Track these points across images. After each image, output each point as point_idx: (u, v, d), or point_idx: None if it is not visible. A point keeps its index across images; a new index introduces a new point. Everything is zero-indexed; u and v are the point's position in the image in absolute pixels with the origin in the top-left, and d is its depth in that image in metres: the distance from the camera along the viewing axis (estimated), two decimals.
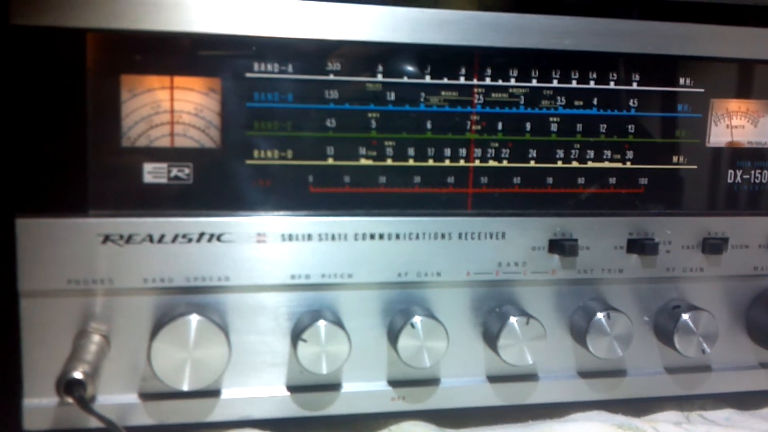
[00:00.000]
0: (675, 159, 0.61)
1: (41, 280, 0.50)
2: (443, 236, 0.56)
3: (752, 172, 0.63)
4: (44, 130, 0.49)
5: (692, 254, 0.61)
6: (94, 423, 0.49)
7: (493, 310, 0.58)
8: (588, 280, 0.60)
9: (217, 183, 0.52)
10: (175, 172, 0.52)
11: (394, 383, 0.57)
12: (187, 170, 0.52)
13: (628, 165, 0.59)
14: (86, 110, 0.49)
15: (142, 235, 0.51)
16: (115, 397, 0.53)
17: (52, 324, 0.51)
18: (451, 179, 0.56)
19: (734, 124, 0.62)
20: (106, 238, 0.50)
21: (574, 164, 0.58)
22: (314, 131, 0.53)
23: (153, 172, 0.51)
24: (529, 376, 0.60)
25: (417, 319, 0.54)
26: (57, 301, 0.51)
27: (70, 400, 0.47)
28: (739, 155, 0.62)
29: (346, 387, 0.56)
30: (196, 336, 0.50)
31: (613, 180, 0.59)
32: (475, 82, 0.56)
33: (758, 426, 0.61)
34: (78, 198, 0.50)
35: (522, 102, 0.57)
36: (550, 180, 0.58)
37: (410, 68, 0.54)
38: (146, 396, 0.53)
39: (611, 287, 0.60)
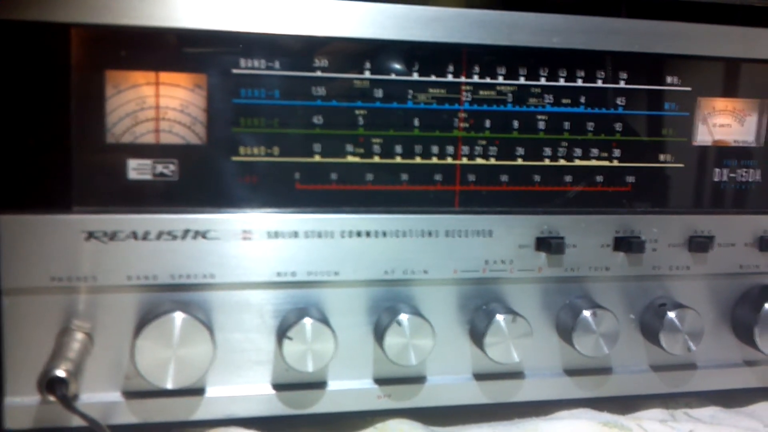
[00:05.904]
0: (662, 157, 0.61)
1: (24, 277, 0.49)
2: (430, 234, 0.56)
3: (738, 170, 0.63)
4: (28, 125, 0.48)
5: (678, 252, 0.61)
6: (77, 422, 0.48)
7: (479, 308, 0.58)
8: (574, 278, 0.60)
9: (203, 180, 0.52)
10: (160, 168, 0.51)
11: (380, 381, 0.57)
12: (172, 167, 0.51)
13: (615, 163, 0.59)
14: (70, 106, 0.49)
15: (127, 232, 0.50)
16: (98, 395, 0.52)
17: (34, 321, 0.50)
18: (438, 177, 0.56)
19: (721, 122, 0.62)
20: (90, 235, 0.50)
21: (562, 162, 0.58)
22: (301, 128, 0.53)
23: (138, 169, 0.51)
24: (516, 374, 0.60)
25: (403, 317, 0.54)
26: (40, 298, 0.50)
27: (52, 398, 0.46)
28: (725, 154, 0.63)
29: (332, 385, 0.56)
30: (180, 334, 0.50)
31: (600, 178, 0.59)
32: (462, 79, 0.55)
33: (743, 423, 0.61)
34: (62, 194, 0.49)
35: (510, 100, 0.57)
36: (537, 178, 0.58)
37: (398, 65, 0.54)
38: (130, 394, 0.53)
39: (598, 285, 0.60)
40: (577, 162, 0.59)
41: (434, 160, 0.56)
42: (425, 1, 0.53)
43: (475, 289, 0.58)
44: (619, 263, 0.60)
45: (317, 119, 0.53)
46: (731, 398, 0.65)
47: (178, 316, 0.50)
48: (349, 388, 0.56)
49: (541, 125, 0.57)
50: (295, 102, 0.53)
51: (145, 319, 0.51)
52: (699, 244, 0.61)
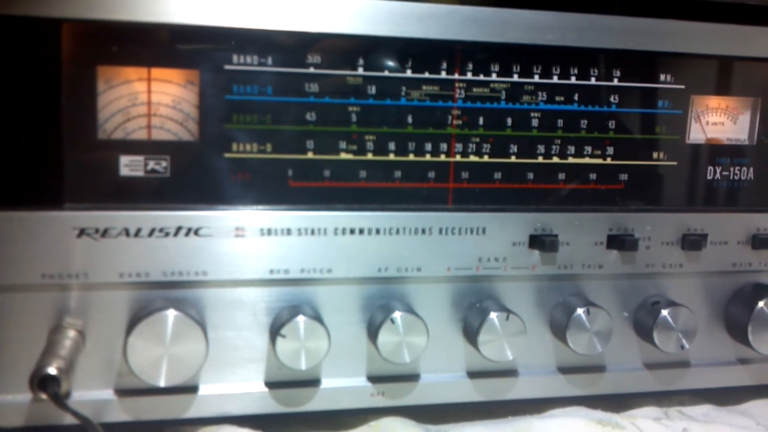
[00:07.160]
0: (655, 155, 0.61)
1: (15, 274, 0.49)
2: (424, 231, 0.56)
3: (731, 168, 0.63)
4: (18, 121, 0.48)
5: (672, 250, 0.61)
6: (69, 419, 0.48)
7: (473, 306, 0.58)
8: (568, 275, 0.59)
9: (195, 176, 0.52)
10: (152, 165, 0.51)
11: (373, 379, 0.57)
12: (164, 163, 0.51)
13: (609, 161, 0.59)
14: (61, 102, 0.48)
15: (118, 229, 0.50)
16: (90, 393, 0.52)
17: (26, 319, 0.50)
18: (431, 174, 0.56)
19: (714, 120, 0.62)
20: (82, 232, 0.50)
21: (555, 160, 0.58)
22: (294, 125, 0.53)
23: (129, 165, 0.51)
24: (509, 372, 0.60)
25: (397, 315, 0.54)
26: (31, 295, 0.50)
27: (44, 396, 0.46)
28: (718, 152, 0.63)
29: (326, 383, 0.56)
30: (173, 331, 0.49)
31: (593, 176, 0.59)
32: (456, 76, 0.55)
33: (736, 421, 0.61)
34: (53, 191, 0.49)
35: (503, 97, 0.56)
36: (530, 175, 0.58)
37: (391, 62, 0.54)
38: (122, 392, 0.52)
39: (591, 283, 0.60)
40: (571, 159, 0.59)
41: (428, 157, 0.56)
42: None
43: (469, 287, 0.58)
44: (613, 261, 0.60)
45: (310, 116, 0.53)
46: (725, 396, 0.65)
47: (171, 314, 0.50)
48: (342, 385, 0.56)
49: (535, 122, 0.57)
50: (287, 98, 0.52)
51: (137, 317, 0.50)
52: (692, 242, 0.61)
